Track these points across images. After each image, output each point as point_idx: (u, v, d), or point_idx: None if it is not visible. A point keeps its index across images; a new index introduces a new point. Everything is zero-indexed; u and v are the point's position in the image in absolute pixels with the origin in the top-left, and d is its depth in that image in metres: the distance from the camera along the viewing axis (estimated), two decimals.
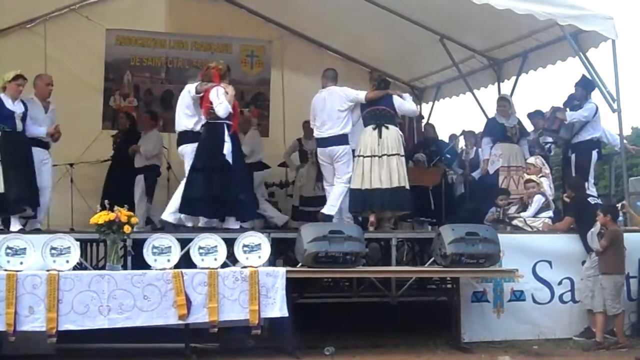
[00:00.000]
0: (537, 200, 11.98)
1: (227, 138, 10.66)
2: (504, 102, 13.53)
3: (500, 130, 13.30)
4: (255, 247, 9.50)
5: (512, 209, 12.24)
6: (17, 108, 10.58)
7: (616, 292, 10.47)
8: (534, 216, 11.89)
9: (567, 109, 12.77)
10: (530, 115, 13.89)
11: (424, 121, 16.69)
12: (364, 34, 15.30)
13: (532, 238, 11.37)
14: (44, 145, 11.08)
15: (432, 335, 10.53)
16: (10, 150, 10.49)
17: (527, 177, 12.28)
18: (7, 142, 10.49)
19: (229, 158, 10.62)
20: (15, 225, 10.35)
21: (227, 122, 10.73)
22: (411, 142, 15.67)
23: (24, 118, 10.65)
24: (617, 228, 10.70)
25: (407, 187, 11.39)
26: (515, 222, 11.95)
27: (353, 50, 16.74)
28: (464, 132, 15.33)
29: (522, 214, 12.04)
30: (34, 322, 8.60)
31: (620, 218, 11.83)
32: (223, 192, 10.58)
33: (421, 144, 15.30)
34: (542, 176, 12.20)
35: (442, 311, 10.71)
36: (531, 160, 12.58)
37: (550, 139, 13.47)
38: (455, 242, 9.90)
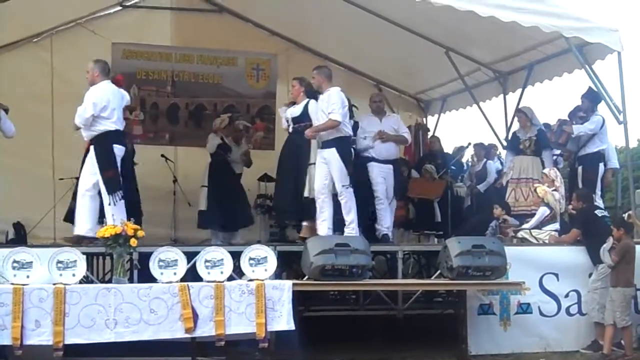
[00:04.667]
0: (541, 212, 11.98)
1: None
2: (519, 114, 13.54)
3: (515, 142, 13.37)
4: (261, 260, 9.47)
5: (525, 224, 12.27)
6: None
7: (626, 304, 10.43)
8: (539, 229, 11.88)
9: (573, 122, 12.77)
10: None
11: (430, 134, 16.71)
12: (369, 46, 15.32)
13: (538, 250, 11.34)
14: None
15: (438, 348, 10.50)
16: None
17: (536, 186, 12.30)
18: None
19: None
20: None
21: None
22: (417, 154, 15.72)
23: None
24: (630, 242, 10.63)
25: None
26: (520, 234, 11.94)
27: (358, 64, 16.77)
28: (473, 144, 15.38)
29: (525, 225, 12.05)
30: (41, 335, 8.57)
31: None
32: None
33: (427, 157, 15.32)
34: (555, 189, 12.14)
35: (448, 324, 10.71)
36: (545, 170, 12.57)
37: (557, 152, 13.48)
38: (461, 254, 9.86)
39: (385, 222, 12.03)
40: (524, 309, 10.92)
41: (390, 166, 12.21)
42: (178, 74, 15.72)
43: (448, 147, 16.31)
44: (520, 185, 12.99)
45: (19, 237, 13.53)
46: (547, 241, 11.67)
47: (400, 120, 12.90)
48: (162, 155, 14.60)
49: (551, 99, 24.11)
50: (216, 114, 15.61)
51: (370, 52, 15.71)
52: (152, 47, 15.50)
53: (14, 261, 8.82)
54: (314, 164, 11.28)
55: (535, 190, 12.30)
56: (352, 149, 11.35)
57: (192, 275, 9.33)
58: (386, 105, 12.97)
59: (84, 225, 10.22)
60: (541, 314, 10.97)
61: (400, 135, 12.46)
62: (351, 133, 11.32)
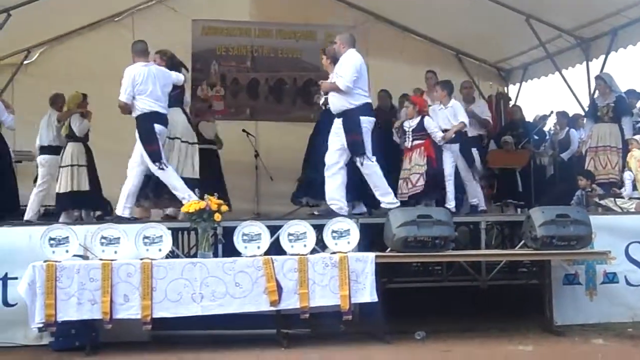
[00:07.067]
0: (627, 179, 11.87)
1: None
2: (598, 81, 13.33)
3: (594, 110, 13.20)
4: (344, 232, 9.52)
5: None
6: None
7: None
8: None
9: None
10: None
11: (511, 103, 16.53)
12: (448, 16, 15.17)
13: (624, 219, 11.14)
14: None
15: (523, 319, 10.44)
16: None
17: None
18: None
19: None
20: None
21: None
22: (498, 124, 15.57)
23: None
24: None
25: None
26: (604, 202, 11.79)
27: (437, 34, 16.64)
28: (556, 113, 15.18)
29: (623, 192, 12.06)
30: (129, 309, 8.77)
31: None
32: None
33: (508, 126, 15.16)
34: None
35: (533, 294, 10.60)
36: (638, 137, 12.39)
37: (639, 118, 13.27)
38: (545, 224, 9.77)
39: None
40: (610, 278, 10.77)
41: (340, 119, 10.82)
42: (257, 49, 15.81)
43: (530, 117, 16.10)
44: (598, 153, 12.79)
45: (106, 213, 13.75)
46: (632, 209, 11.51)
47: (343, 59, 11.10)
48: (244, 130, 14.72)
49: (637, 65, 23.62)
50: (296, 88, 15.69)
51: (449, 22, 15.55)
52: (231, 23, 15.61)
53: (102, 237, 9.03)
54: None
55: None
56: (155, 125, 10.88)
57: (275, 248, 9.43)
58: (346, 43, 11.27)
59: None
60: (628, 283, 10.80)
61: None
62: (151, 109, 10.94)
